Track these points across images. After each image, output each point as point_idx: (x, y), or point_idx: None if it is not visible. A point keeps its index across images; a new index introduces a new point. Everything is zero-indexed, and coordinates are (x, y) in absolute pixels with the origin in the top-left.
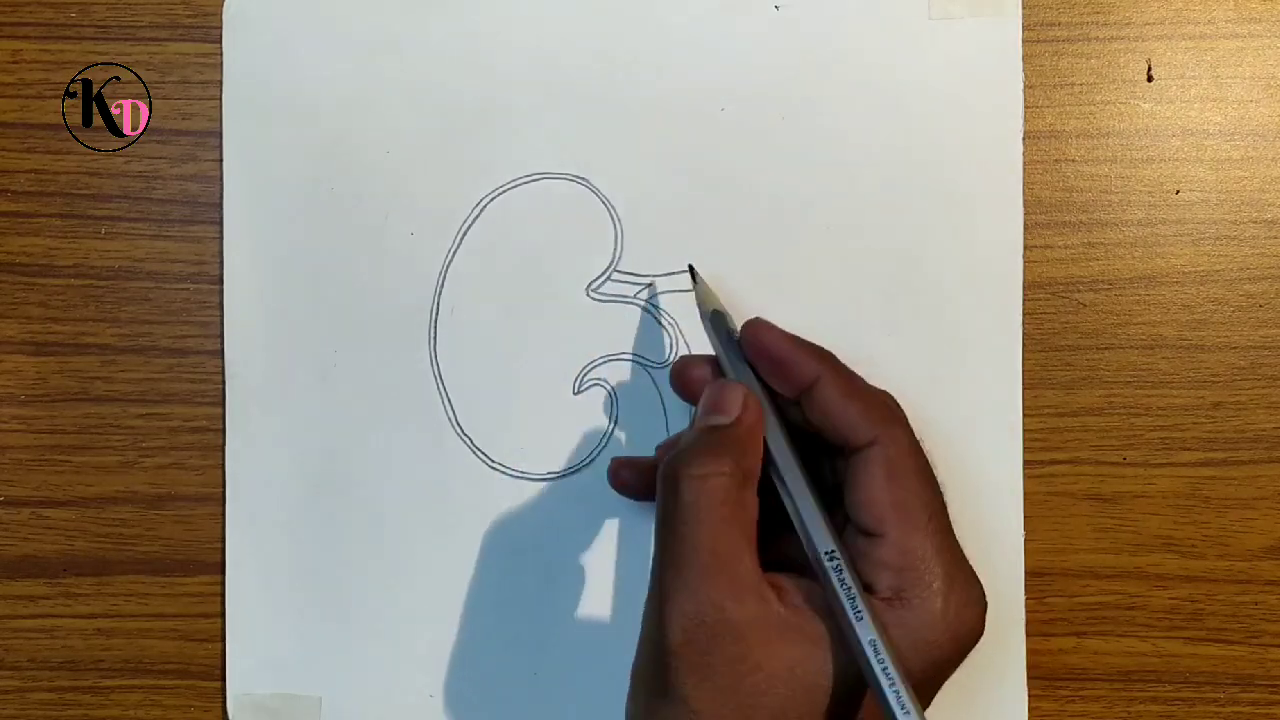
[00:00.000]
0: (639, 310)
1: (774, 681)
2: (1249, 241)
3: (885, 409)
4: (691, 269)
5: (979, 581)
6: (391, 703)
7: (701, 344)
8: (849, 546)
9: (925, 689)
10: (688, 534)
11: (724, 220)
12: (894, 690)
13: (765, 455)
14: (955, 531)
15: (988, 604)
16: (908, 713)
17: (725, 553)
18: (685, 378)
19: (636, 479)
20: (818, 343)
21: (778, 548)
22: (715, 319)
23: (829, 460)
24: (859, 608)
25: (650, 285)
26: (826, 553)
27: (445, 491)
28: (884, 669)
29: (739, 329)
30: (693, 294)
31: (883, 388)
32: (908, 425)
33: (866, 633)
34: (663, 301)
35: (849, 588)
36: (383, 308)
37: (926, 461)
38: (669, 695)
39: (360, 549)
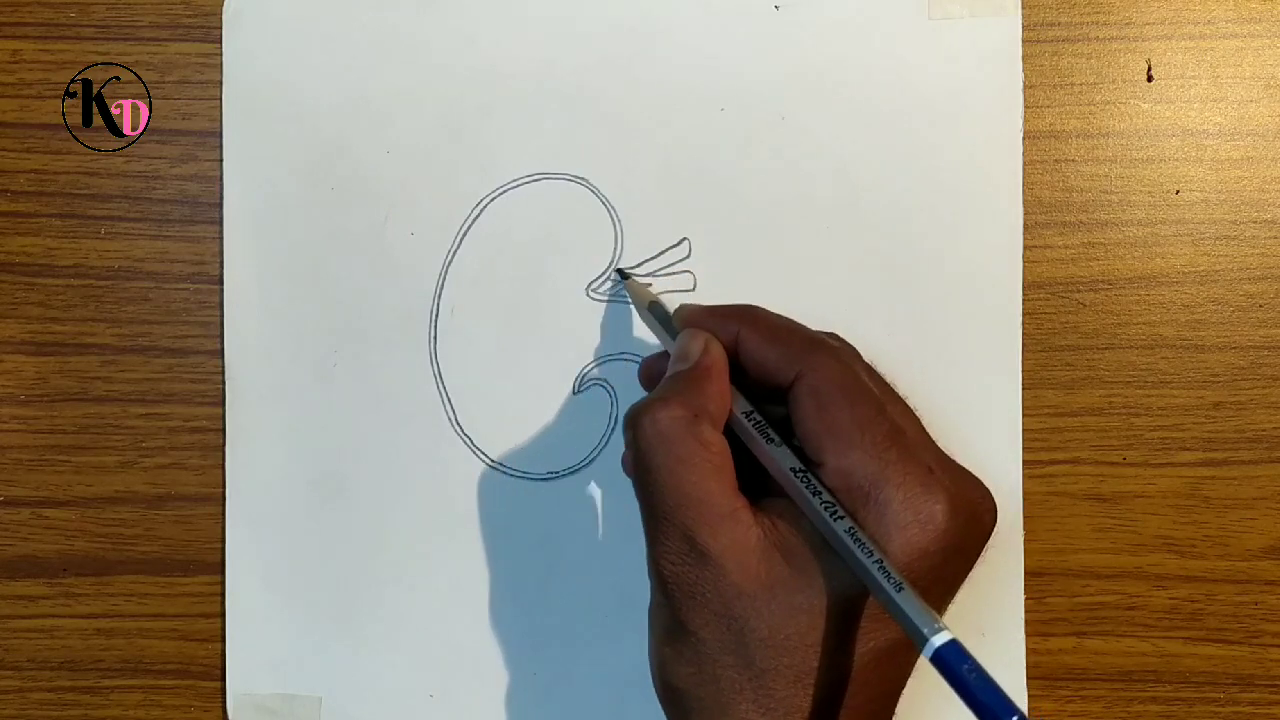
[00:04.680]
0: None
1: (758, 604)
2: (1249, 241)
3: (805, 342)
4: (620, 271)
5: (952, 480)
6: (391, 703)
7: None
8: None
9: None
10: (651, 476)
11: (724, 221)
12: (878, 566)
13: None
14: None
15: (978, 497)
16: (900, 587)
17: (690, 488)
18: (649, 372)
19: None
20: None
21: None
22: (654, 309)
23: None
24: (829, 503)
25: (650, 285)
26: (791, 469)
27: (445, 491)
28: (862, 548)
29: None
30: (690, 293)
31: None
32: (834, 350)
33: (842, 524)
34: (663, 301)
35: (817, 490)
36: (383, 308)
37: (860, 380)
38: (678, 627)
39: (360, 549)
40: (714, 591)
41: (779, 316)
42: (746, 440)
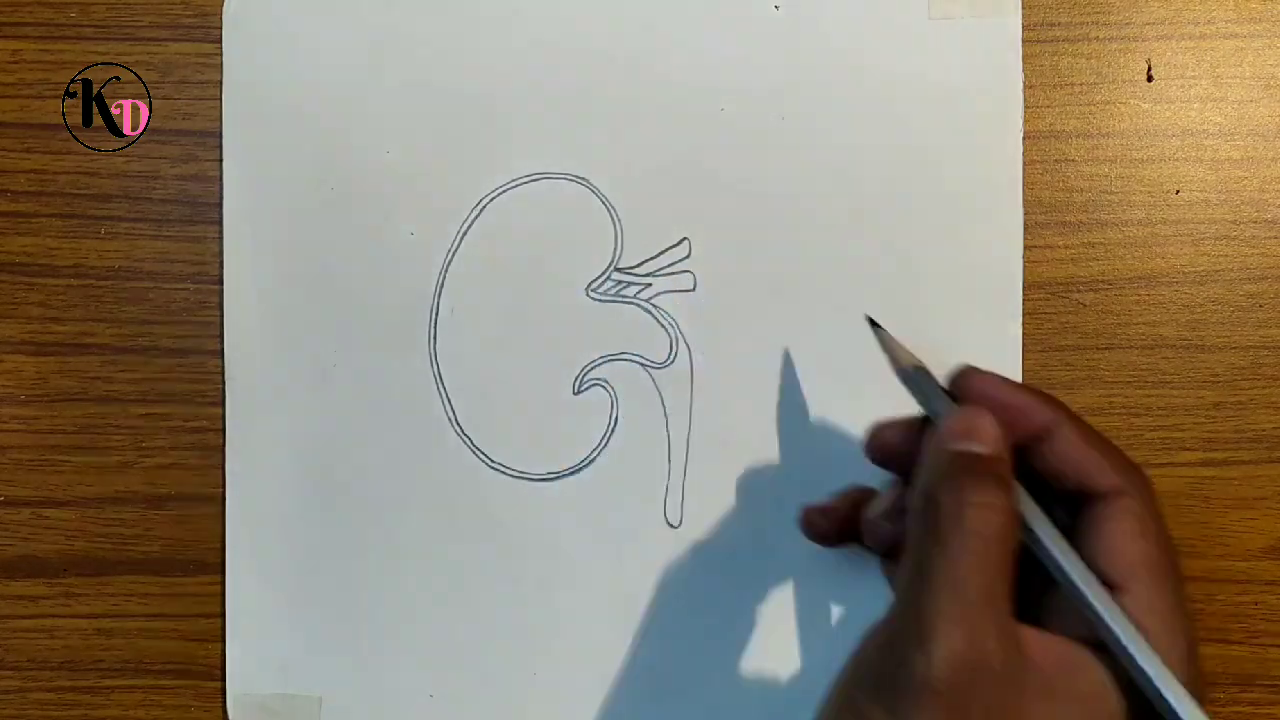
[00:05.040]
0: (639, 310)
1: None
2: (1249, 241)
3: (1128, 458)
4: (871, 320)
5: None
6: (391, 703)
7: (702, 345)
8: None
9: None
10: (965, 565)
11: (724, 220)
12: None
13: None
14: None
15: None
16: None
17: (997, 593)
18: (882, 442)
19: (830, 525)
20: (813, 345)
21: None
22: (919, 375)
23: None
24: (1144, 648)
25: (650, 285)
26: (1097, 596)
27: (445, 491)
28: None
29: (942, 380)
30: (690, 293)
31: (878, 396)
32: (1146, 474)
33: (1166, 681)
34: (663, 301)
35: (1128, 628)
36: (383, 308)
37: (1163, 515)
38: None
39: (360, 549)
40: (981, 712)
41: (1082, 417)
42: (1035, 548)
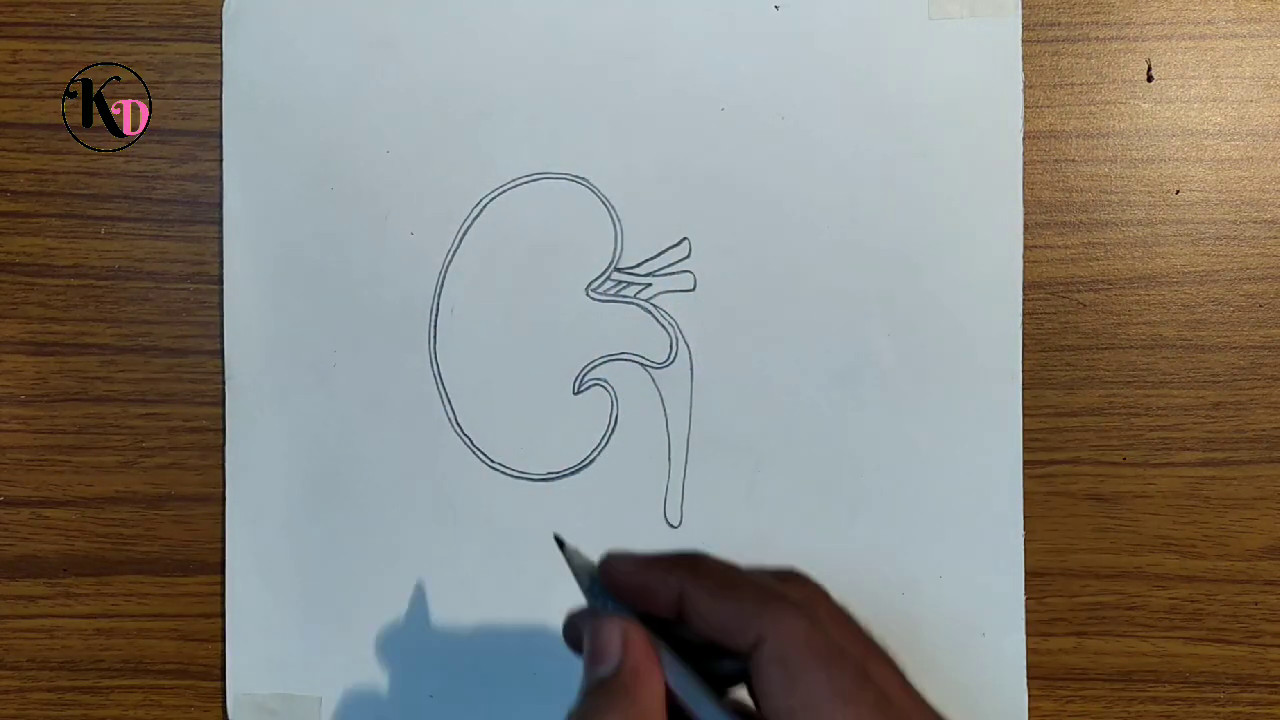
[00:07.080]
0: (639, 310)
1: None
2: (1249, 241)
3: (761, 597)
4: (557, 538)
5: None
6: (391, 703)
7: (702, 345)
8: None
9: None
10: None
11: (724, 220)
12: None
13: (671, 692)
14: (952, 543)
15: None
16: None
17: None
18: (570, 636)
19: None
20: (812, 345)
21: None
22: (595, 581)
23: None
24: None
25: (650, 285)
26: None
27: (445, 492)
28: None
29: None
30: (690, 293)
31: (878, 396)
32: (797, 605)
33: None
34: (663, 301)
35: None
36: (383, 308)
37: (833, 641)
38: None
39: (360, 549)
40: None
41: (729, 565)
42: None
